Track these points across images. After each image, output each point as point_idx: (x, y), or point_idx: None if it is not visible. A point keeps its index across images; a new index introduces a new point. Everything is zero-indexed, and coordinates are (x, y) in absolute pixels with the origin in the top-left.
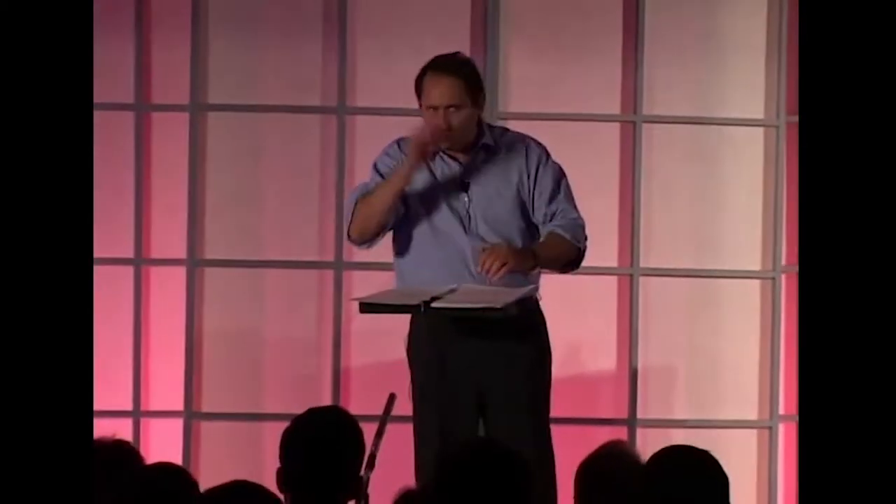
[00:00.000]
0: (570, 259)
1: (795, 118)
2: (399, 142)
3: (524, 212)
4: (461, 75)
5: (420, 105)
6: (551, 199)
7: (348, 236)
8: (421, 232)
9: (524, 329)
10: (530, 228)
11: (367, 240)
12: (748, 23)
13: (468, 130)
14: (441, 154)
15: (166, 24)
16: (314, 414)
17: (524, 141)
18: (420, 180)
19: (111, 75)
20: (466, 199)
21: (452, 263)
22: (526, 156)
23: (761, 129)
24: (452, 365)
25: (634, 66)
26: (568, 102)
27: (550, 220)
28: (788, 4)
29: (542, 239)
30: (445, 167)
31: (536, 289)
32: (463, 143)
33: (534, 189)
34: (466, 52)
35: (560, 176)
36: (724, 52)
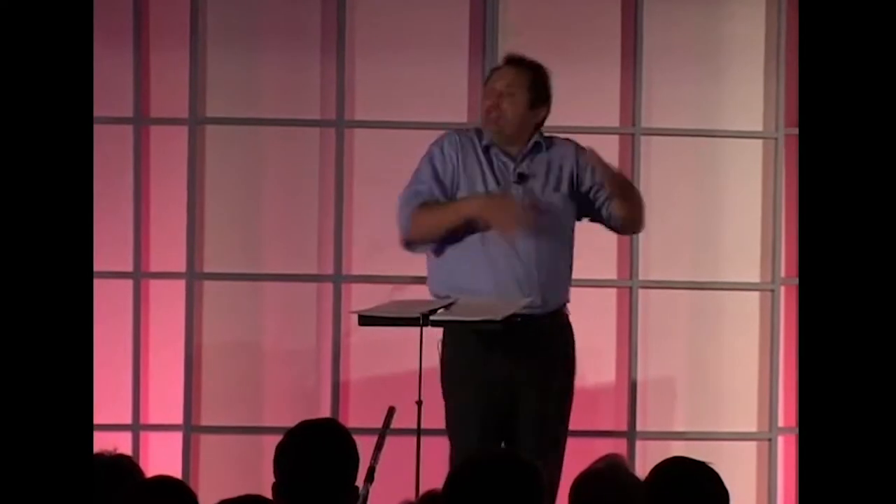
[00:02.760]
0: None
1: (794, 130)
2: (458, 132)
3: (572, 206)
4: (527, 70)
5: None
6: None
7: (407, 240)
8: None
9: (558, 346)
10: (574, 220)
11: (428, 244)
12: (747, 36)
13: (517, 125)
14: (496, 150)
15: (165, 37)
16: (306, 427)
17: (568, 141)
18: (477, 175)
19: (110, 89)
20: (521, 192)
21: (500, 260)
22: (575, 153)
23: (760, 142)
24: (487, 384)
25: (633, 78)
26: (567, 115)
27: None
28: (787, 17)
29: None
30: (500, 163)
31: (534, 301)
32: (508, 136)
33: (585, 178)
34: (465, 65)
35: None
36: (723, 64)
